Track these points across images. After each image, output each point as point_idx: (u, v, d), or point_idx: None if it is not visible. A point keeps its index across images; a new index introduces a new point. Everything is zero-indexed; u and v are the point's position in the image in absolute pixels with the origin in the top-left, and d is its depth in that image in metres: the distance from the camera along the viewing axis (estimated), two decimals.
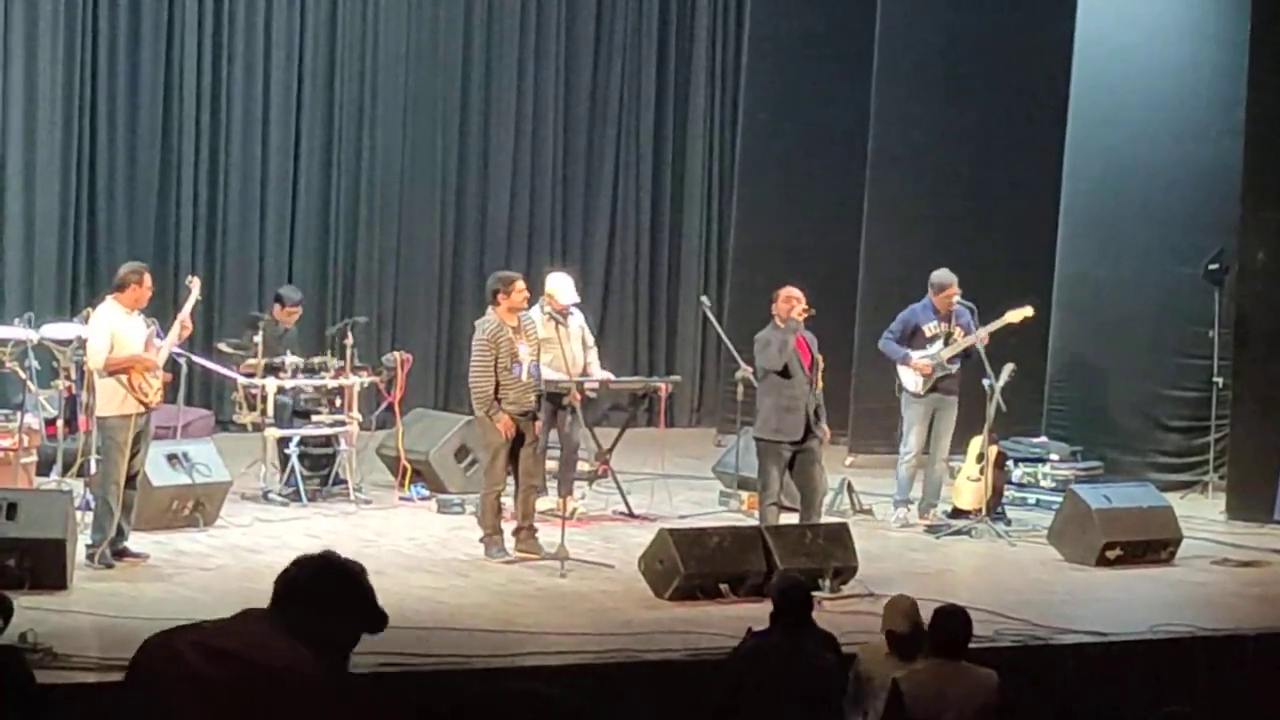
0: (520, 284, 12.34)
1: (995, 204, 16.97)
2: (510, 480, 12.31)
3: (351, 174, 18.88)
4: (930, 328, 13.97)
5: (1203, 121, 15.57)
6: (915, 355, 13.90)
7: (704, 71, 20.44)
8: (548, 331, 13.27)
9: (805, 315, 12.40)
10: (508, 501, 12.42)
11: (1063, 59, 16.03)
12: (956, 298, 13.93)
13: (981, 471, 13.74)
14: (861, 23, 17.42)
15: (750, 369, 13.25)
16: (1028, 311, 13.97)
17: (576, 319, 14.02)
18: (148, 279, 11.64)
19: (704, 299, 15.88)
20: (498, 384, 12.11)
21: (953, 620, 8.45)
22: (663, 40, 20.29)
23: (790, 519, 12.37)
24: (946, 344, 13.89)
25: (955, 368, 13.92)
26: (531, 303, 13.06)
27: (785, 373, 12.34)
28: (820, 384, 12.51)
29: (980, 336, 13.77)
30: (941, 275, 14.02)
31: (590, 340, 14.20)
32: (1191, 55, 15.73)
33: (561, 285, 13.85)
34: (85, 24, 17.53)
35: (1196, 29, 15.81)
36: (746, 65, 19.34)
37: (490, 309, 12.33)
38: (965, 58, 17.08)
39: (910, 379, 13.97)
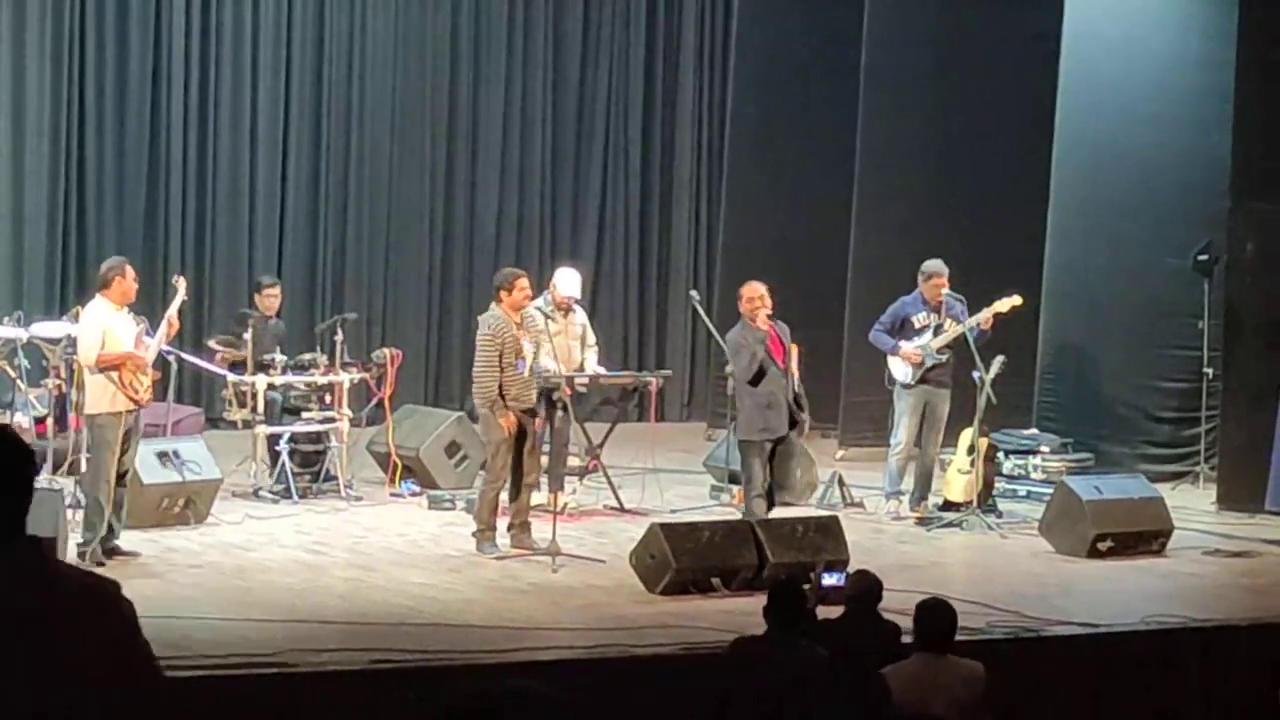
0: (523, 281, 12.33)
1: (984, 197, 16.96)
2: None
3: (340, 171, 18.87)
4: (920, 318, 13.97)
5: (1191, 113, 15.58)
6: (905, 345, 13.90)
7: (692, 66, 20.44)
8: (557, 324, 13.36)
9: (768, 326, 12.39)
10: (503, 497, 12.40)
11: (1050, 51, 16.03)
12: (945, 289, 13.93)
13: (972, 464, 13.75)
14: (849, 17, 17.42)
15: None
16: (1016, 300, 13.96)
17: (580, 316, 14.07)
18: (130, 271, 11.64)
19: (694, 293, 15.89)
20: (501, 380, 12.10)
21: (936, 614, 8.47)
22: (650, 36, 20.27)
23: (780, 512, 12.37)
24: (936, 334, 13.88)
25: (945, 358, 13.91)
26: (533, 298, 13.06)
27: (759, 376, 12.36)
28: (797, 372, 12.48)
29: (971, 325, 13.76)
30: (931, 263, 14.03)
31: (591, 339, 14.23)
32: (1179, 47, 15.74)
33: (564, 278, 13.93)
34: (72, 22, 17.51)
35: (1184, 20, 15.82)
36: (734, 60, 19.34)
37: (494, 305, 12.32)
38: (953, 50, 17.08)
39: (900, 369, 13.97)
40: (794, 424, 12.39)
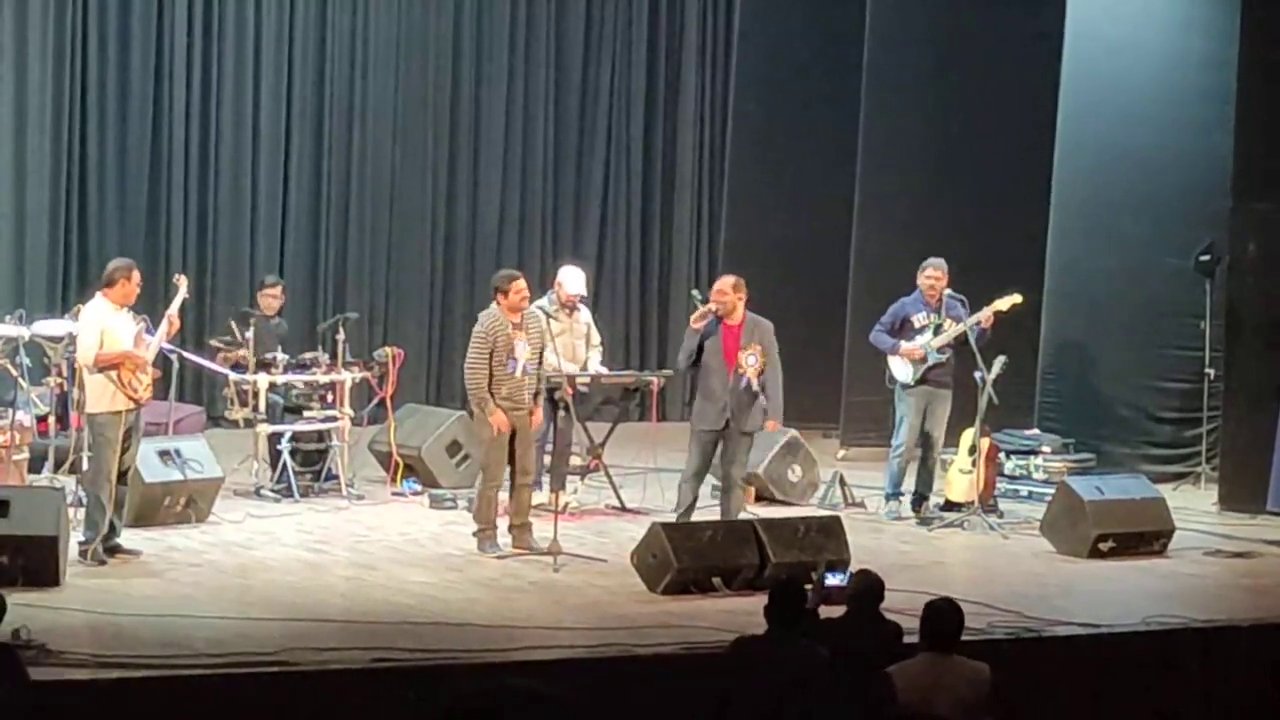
0: (519, 283, 12.32)
1: (985, 196, 16.96)
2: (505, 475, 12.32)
3: (342, 170, 18.87)
4: (920, 318, 13.95)
5: (1192, 113, 15.58)
6: (905, 345, 13.89)
7: (694, 66, 20.44)
8: (560, 323, 13.38)
9: (702, 320, 12.42)
10: (502, 496, 12.40)
11: (1052, 51, 16.03)
12: (939, 285, 13.88)
13: (974, 464, 13.75)
14: (850, 16, 17.43)
15: None
16: (1016, 299, 13.95)
17: (584, 315, 14.09)
18: (136, 275, 11.64)
19: (695, 293, 15.83)
20: (492, 378, 12.11)
21: (944, 614, 8.47)
22: (652, 35, 20.28)
23: (781, 512, 12.36)
24: (936, 334, 13.87)
25: (946, 358, 13.89)
26: (534, 298, 13.05)
27: (696, 365, 12.42)
28: (751, 371, 12.41)
29: (971, 323, 13.74)
30: (929, 258, 14.02)
31: (596, 339, 14.24)
32: (1181, 47, 15.74)
33: (570, 276, 13.97)
34: (75, 20, 17.52)
35: (1186, 20, 15.82)
36: (736, 59, 19.35)
37: (493, 304, 12.33)
38: (954, 50, 17.09)
39: (901, 369, 13.95)
40: (729, 425, 12.38)
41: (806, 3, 18.65)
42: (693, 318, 12.63)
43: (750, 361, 12.40)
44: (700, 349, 12.49)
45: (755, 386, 12.40)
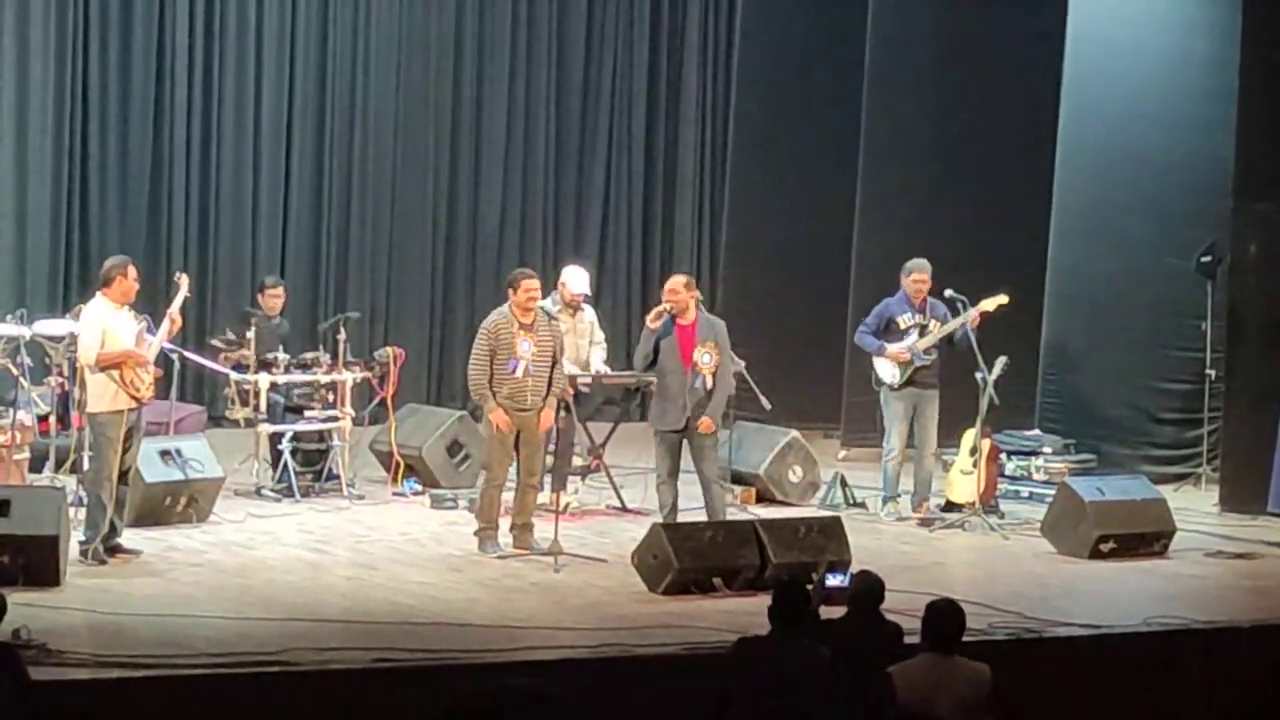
0: (527, 283, 12.30)
1: (987, 196, 16.95)
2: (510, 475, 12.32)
3: (343, 169, 18.86)
4: (905, 320, 13.92)
5: (1195, 114, 15.57)
6: (891, 347, 13.86)
7: (695, 65, 20.43)
8: (565, 323, 13.37)
9: (657, 320, 12.42)
10: (507, 496, 12.39)
11: (1053, 51, 16.03)
12: (924, 289, 13.84)
13: (975, 465, 13.74)
14: (852, 16, 17.42)
15: (743, 363, 13.35)
16: (1002, 299, 13.91)
17: (589, 314, 14.09)
18: (132, 270, 11.63)
19: (695, 293, 15.86)
20: (492, 377, 12.11)
21: (945, 614, 8.47)
22: (654, 34, 20.27)
23: (782, 513, 12.34)
24: (922, 335, 13.84)
25: (931, 359, 13.86)
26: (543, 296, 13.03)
27: (653, 366, 12.41)
28: (707, 371, 12.38)
29: (957, 324, 13.72)
30: (914, 260, 14.00)
31: (599, 337, 14.23)
32: (1183, 47, 15.73)
33: (574, 276, 13.95)
34: (76, 20, 17.51)
35: (1188, 21, 15.81)
36: (738, 59, 19.33)
37: (506, 303, 12.36)
38: (956, 50, 17.07)
39: (887, 371, 13.92)
40: (689, 425, 12.36)
41: (808, 2, 18.63)
42: (648, 318, 12.61)
43: (706, 360, 12.40)
44: (656, 350, 12.48)
45: (710, 385, 12.40)
